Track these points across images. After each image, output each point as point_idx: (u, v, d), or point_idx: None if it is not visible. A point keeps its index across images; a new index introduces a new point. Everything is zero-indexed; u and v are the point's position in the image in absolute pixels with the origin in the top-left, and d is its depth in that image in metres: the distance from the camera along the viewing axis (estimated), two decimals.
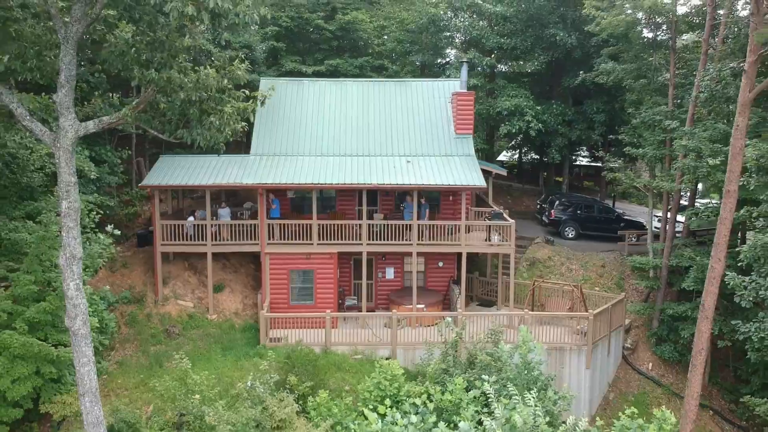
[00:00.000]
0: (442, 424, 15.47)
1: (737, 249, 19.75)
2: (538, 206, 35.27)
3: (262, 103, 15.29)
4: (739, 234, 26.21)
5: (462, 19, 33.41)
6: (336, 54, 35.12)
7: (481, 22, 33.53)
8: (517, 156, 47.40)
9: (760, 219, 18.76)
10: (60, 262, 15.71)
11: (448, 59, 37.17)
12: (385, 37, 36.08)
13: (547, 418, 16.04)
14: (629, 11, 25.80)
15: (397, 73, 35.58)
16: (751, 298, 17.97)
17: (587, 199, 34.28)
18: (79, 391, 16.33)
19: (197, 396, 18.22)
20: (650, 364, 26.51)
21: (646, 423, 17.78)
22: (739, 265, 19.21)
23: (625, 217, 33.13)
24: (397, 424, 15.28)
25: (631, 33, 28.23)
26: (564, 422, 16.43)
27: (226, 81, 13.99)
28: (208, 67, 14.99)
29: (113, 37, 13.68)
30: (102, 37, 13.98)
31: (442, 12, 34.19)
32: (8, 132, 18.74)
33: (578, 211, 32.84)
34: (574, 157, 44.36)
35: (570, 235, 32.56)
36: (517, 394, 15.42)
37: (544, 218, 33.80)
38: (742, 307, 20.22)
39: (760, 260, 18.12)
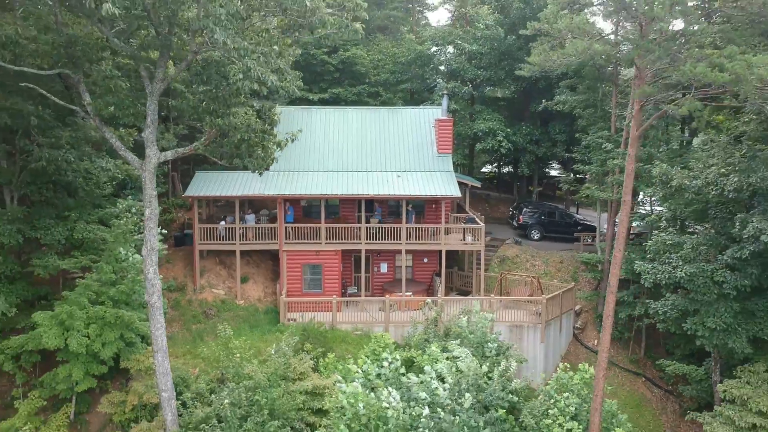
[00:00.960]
0: (411, 374, 21.63)
1: (644, 244, 25.85)
2: (510, 212, 41.36)
3: (293, 140, 21.27)
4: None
5: (445, 55, 39.52)
6: (337, 83, 41.18)
7: (461, 57, 39.66)
8: (496, 168, 53.50)
9: (663, 221, 24.86)
10: (143, 253, 21.72)
11: (434, 85, 43.18)
12: (380, 68, 42.10)
13: (485, 368, 22.12)
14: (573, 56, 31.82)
15: (390, 99, 41.68)
16: (651, 280, 24.02)
17: (550, 207, 40.33)
18: (154, 349, 22.31)
19: (237, 355, 24.11)
20: (596, 341, 32.46)
21: (574, 375, 23.99)
22: (648, 256, 25.30)
23: (582, 222, 39.20)
24: (369, 372, 21.35)
25: (583, 70, 34.36)
26: (500, 365, 22.57)
27: (266, 125, 19.99)
28: (251, 109, 21.08)
29: (189, 94, 19.70)
30: (180, 93, 19.98)
31: (426, 49, 40.38)
32: (99, 158, 24.72)
33: (542, 217, 38.92)
34: (547, 169, 50.51)
35: (535, 237, 38.61)
36: (467, 354, 21.56)
37: (514, 222, 39.86)
38: (658, 292, 26.30)
39: (660, 252, 24.19)
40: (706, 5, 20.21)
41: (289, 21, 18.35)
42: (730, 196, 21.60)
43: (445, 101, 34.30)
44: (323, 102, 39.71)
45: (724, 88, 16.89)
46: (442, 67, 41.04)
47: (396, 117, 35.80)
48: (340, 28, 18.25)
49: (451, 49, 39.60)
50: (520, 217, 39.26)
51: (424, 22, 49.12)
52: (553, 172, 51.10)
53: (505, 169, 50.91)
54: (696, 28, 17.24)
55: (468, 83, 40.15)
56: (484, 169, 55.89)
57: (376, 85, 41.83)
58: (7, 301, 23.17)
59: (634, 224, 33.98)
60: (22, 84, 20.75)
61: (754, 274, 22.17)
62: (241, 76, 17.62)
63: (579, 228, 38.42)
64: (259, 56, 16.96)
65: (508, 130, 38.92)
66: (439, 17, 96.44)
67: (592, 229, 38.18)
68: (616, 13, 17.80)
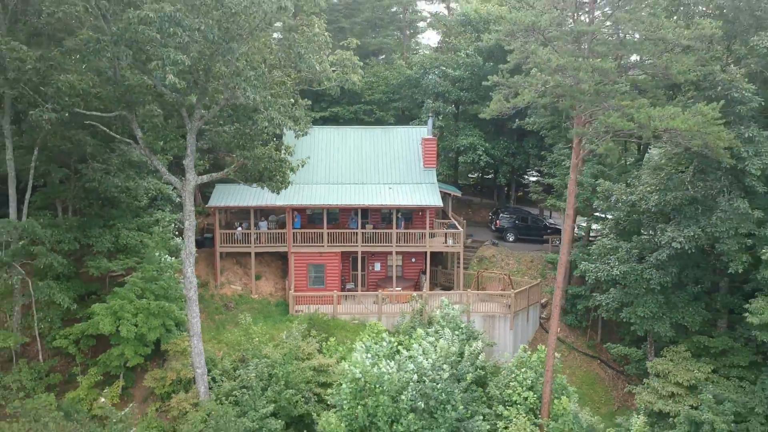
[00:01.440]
0: (403, 350, 27.04)
1: (589, 247, 31.31)
2: (490, 217, 46.77)
3: (303, 165, 26.50)
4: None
5: (431, 78, 44.75)
6: (336, 102, 46.40)
7: (445, 80, 44.92)
8: (479, 177, 58.85)
9: (606, 229, 30.31)
10: (182, 255, 27.08)
11: (422, 103, 48.42)
12: (374, 89, 47.32)
13: (454, 348, 27.46)
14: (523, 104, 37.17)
15: (383, 117, 46.95)
16: (594, 277, 29.46)
17: (524, 212, 45.72)
18: (190, 333, 27.65)
19: (256, 339, 29.45)
20: (559, 329, 37.89)
21: (532, 354, 29.44)
22: (593, 257, 30.76)
23: (551, 225, 44.61)
24: (371, 347, 26.71)
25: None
26: (471, 346, 27.98)
27: (284, 155, 25.32)
28: (272, 141, 26.40)
29: (223, 130, 25.01)
30: (216, 131, 25.29)
31: (414, 73, 45.70)
32: (141, 179, 30.02)
33: (516, 221, 44.32)
34: (526, 176, 55.85)
35: (510, 239, 44.01)
36: (445, 336, 26.96)
37: (492, 226, 45.26)
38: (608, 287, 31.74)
39: (601, 254, 29.63)
40: (624, 64, 25.54)
41: (302, 76, 23.65)
42: (653, 209, 27.02)
43: (430, 122, 39.66)
44: (324, 119, 44.96)
45: (633, 131, 22.22)
46: (428, 90, 46.20)
47: (388, 135, 41.11)
48: (342, 82, 23.55)
49: (436, 72, 44.80)
50: (498, 221, 44.68)
51: (416, 43, 54.28)
52: (533, 179, 56.44)
53: (489, 176, 56.15)
54: (614, 87, 22.56)
55: (452, 103, 45.43)
56: (471, 175, 61.14)
57: (371, 104, 47.10)
58: (68, 297, 28.43)
59: (595, 226, 39.36)
60: (87, 122, 25.99)
61: (673, 273, 27.60)
62: (266, 124, 22.94)
63: (548, 231, 43.81)
64: (279, 107, 22.27)
65: (487, 144, 44.23)
66: (429, 36, 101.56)
67: (560, 232, 43.54)
68: (556, 71, 23.02)
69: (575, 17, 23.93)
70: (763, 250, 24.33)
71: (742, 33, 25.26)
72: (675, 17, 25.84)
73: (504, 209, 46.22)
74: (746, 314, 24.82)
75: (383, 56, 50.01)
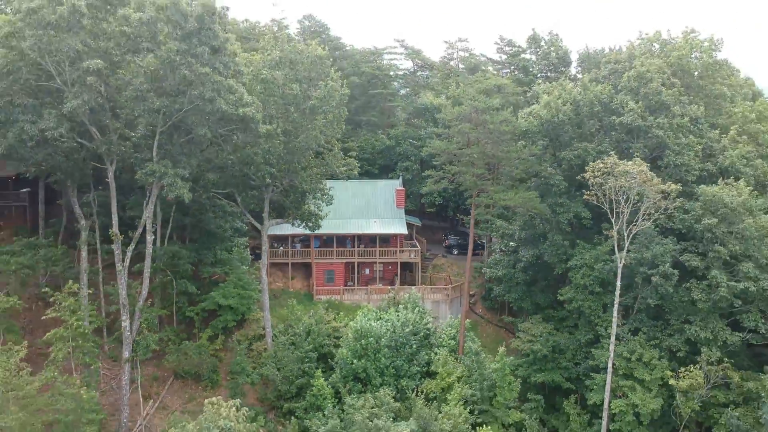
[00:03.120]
0: (382, 317, 49.61)
1: (491, 257, 54.05)
2: (442, 238, 69.30)
3: (326, 215, 48.81)
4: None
5: (403, 147, 67.09)
6: None
7: (411, 148, 67.26)
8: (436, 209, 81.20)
9: (499, 249, 53.05)
10: (260, 264, 49.43)
11: (397, 162, 70.47)
12: (364, 150, 69.57)
13: (411, 316, 49.86)
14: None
15: (370, 169, 69.12)
16: (490, 276, 52.05)
17: (465, 234, 68.18)
18: (263, 308, 49.95)
19: (298, 312, 51.63)
20: (480, 310, 60.39)
21: (455, 320, 52.01)
22: (490, 265, 53.45)
23: (481, 244, 67.07)
24: (365, 315, 49.17)
25: None
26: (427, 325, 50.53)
27: (318, 210, 47.82)
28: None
29: (284, 199, 47.35)
30: (280, 199, 47.68)
31: (391, 142, 68.16)
32: (225, 221, 52.15)
33: (459, 241, 66.82)
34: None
35: (455, 252, 66.49)
36: (407, 310, 49.56)
37: (444, 244, 67.76)
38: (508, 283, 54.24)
39: (495, 262, 52.28)
40: (492, 164, 48.25)
41: (327, 172, 46.27)
42: (519, 238, 49.72)
43: (400, 179, 62.24)
44: None
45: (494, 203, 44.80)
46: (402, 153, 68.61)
47: (373, 186, 63.57)
48: (347, 173, 46.03)
49: (406, 142, 67.28)
50: (447, 240, 67.25)
51: (394, 116, 76.55)
52: None
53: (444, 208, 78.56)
54: (485, 181, 45.28)
55: (417, 162, 67.93)
56: (429, 209, 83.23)
57: (362, 160, 69.41)
58: (194, 288, 50.41)
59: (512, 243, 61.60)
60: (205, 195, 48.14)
61: (530, 272, 50.26)
62: (312, 206, 45.36)
63: (481, 248, 66.32)
64: (317, 192, 44.70)
65: (440, 189, 66.67)
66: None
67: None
68: (457, 173, 45.66)
69: (468, 144, 46.63)
70: (570, 263, 46.97)
71: (558, 148, 48.08)
72: (521, 141, 48.45)
73: (451, 232, 68.83)
74: (559, 296, 47.50)
75: (371, 126, 72.16)
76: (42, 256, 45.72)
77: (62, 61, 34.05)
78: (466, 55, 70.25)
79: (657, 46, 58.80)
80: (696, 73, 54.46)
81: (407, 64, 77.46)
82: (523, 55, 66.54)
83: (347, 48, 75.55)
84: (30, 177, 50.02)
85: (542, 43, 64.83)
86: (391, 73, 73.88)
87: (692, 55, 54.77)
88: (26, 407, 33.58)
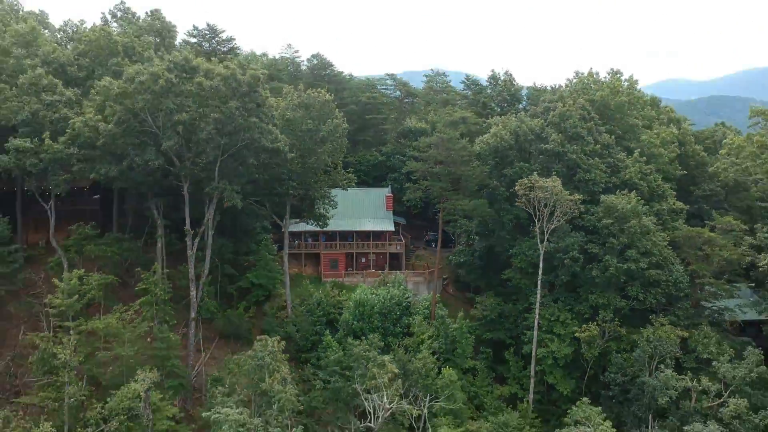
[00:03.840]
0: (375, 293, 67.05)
1: (455, 248, 71.21)
2: (424, 233, 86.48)
3: (332, 216, 65.67)
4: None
5: (393, 160, 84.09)
6: None
7: (400, 162, 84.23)
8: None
9: (463, 241, 70.25)
10: (283, 254, 66.63)
11: (387, 173, 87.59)
12: (362, 163, 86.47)
13: (395, 292, 67.19)
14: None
15: (366, 179, 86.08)
16: (457, 262, 69.15)
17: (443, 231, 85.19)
18: (284, 287, 67.17)
19: (311, 290, 68.75)
20: (452, 290, 77.51)
21: (429, 296, 69.47)
22: (455, 254, 70.66)
23: (454, 238, 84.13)
24: (363, 292, 66.44)
25: None
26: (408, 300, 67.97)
27: (325, 212, 64.78)
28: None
29: (299, 205, 64.43)
30: (296, 204, 64.83)
31: (384, 157, 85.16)
32: (256, 221, 69.29)
33: (437, 236, 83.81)
34: None
35: (433, 246, 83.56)
36: (393, 288, 66.91)
37: (425, 238, 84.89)
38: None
39: (461, 251, 69.43)
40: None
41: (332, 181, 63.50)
42: (478, 232, 66.91)
43: (389, 188, 79.34)
44: None
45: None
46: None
47: (368, 193, 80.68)
48: (345, 187, 63.22)
49: (396, 157, 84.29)
50: (427, 235, 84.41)
51: (384, 132, 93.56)
52: None
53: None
54: (450, 192, 62.39)
55: (404, 174, 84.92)
56: (414, 211, 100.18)
57: (358, 172, 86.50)
58: (233, 270, 67.39)
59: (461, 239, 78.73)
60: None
61: (484, 259, 67.43)
62: (321, 209, 62.57)
63: (452, 242, 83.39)
64: (325, 200, 61.94)
65: (418, 197, 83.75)
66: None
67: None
68: (427, 187, 62.76)
69: (437, 164, 63.76)
70: (511, 251, 64.07)
71: (503, 166, 65.20)
72: (476, 162, 65.50)
73: (430, 229, 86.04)
74: (504, 276, 64.66)
75: (366, 144, 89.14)
76: (126, 247, 62.73)
77: (159, 114, 51.17)
78: (443, 87, 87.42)
79: (590, 82, 76.31)
80: (615, 108, 71.77)
81: (397, 92, 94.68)
82: (484, 93, 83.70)
83: (346, 76, 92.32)
84: (104, 187, 66.91)
85: (500, 81, 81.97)
86: (383, 100, 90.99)
87: (613, 95, 72.11)
88: (135, 344, 50.71)
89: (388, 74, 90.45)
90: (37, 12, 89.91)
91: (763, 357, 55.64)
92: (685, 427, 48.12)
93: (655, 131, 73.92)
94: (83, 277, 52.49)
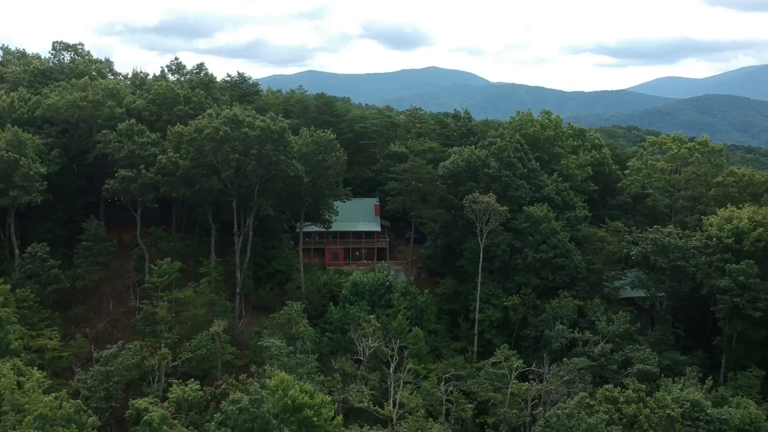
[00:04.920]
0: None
1: (424, 244, 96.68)
2: (405, 233, 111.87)
3: (336, 220, 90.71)
4: None
5: (380, 178, 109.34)
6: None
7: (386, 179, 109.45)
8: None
9: (431, 234, 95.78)
10: (299, 249, 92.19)
11: (376, 187, 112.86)
12: (357, 177, 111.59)
13: (380, 275, 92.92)
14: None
15: (359, 191, 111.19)
16: (426, 254, 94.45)
17: (419, 230, 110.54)
18: (300, 273, 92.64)
19: (318, 275, 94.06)
20: (424, 275, 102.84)
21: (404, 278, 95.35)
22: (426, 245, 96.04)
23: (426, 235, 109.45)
24: (357, 276, 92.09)
25: None
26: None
27: (329, 217, 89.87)
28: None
29: (309, 212, 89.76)
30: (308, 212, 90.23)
31: (374, 174, 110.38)
32: (278, 224, 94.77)
33: (415, 234, 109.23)
34: None
35: (410, 242, 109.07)
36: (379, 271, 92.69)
37: (406, 236, 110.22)
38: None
39: (429, 244, 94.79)
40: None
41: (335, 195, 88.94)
42: (440, 232, 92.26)
43: (377, 198, 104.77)
44: None
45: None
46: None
47: (361, 202, 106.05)
48: (344, 200, 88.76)
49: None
50: (406, 234, 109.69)
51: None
52: None
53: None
54: (418, 204, 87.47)
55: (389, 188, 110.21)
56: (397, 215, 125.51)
57: (354, 186, 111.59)
58: (262, 259, 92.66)
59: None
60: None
61: (445, 252, 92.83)
62: (326, 215, 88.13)
63: (424, 239, 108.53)
64: (329, 208, 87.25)
65: (401, 206, 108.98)
66: None
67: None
68: (403, 198, 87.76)
69: (409, 184, 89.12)
70: (463, 246, 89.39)
71: (458, 185, 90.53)
72: (439, 182, 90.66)
73: (409, 229, 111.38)
74: (459, 264, 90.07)
75: (360, 164, 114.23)
76: (187, 243, 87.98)
77: (219, 154, 76.49)
78: (416, 119, 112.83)
79: (527, 119, 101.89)
80: (543, 140, 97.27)
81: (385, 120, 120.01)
82: (448, 127, 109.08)
83: (343, 111, 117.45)
84: (164, 197, 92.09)
85: (461, 118, 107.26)
86: (373, 129, 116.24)
87: (543, 129, 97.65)
88: (203, 308, 76.05)
89: (378, 109, 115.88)
90: (103, 60, 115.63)
91: (630, 318, 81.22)
92: (564, 359, 73.42)
93: (573, 157, 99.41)
94: (165, 264, 77.84)
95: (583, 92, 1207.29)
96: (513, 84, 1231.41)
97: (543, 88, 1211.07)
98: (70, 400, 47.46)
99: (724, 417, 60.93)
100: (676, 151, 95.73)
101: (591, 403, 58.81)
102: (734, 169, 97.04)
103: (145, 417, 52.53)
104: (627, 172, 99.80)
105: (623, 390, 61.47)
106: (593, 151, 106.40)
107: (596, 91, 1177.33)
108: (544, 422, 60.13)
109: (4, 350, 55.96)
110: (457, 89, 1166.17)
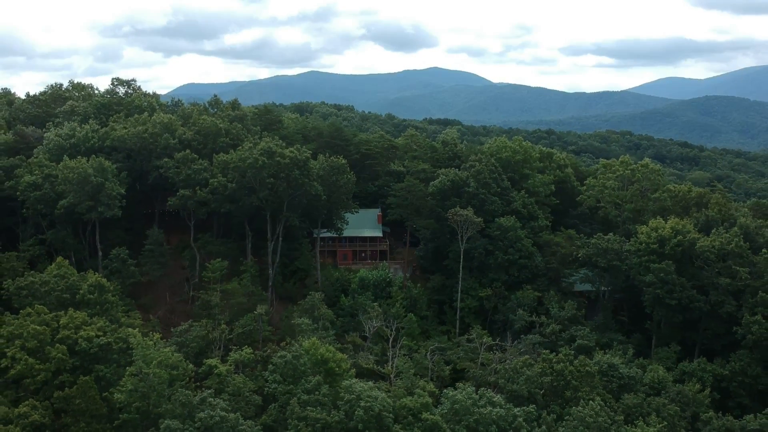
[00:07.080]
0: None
1: (418, 246, 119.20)
2: (403, 238, 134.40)
3: (345, 227, 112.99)
4: None
5: (382, 191, 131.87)
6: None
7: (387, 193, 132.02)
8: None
9: (423, 239, 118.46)
10: (316, 251, 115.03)
11: (377, 200, 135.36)
12: (362, 191, 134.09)
13: (383, 273, 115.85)
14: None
15: (365, 203, 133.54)
16: (419, 255, 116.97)
17: (414, 235, 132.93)
18: (317, 270, 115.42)
19: (332, 272, 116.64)
20: (419, 273, 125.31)
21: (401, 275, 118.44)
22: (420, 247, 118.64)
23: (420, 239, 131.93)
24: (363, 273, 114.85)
25: None
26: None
27: (341, 225, 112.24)
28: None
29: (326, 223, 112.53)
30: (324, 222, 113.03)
31: (377, 189, 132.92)
32: (299, 231, 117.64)
33: (411, 238, 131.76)
34: None
35: (407, 245, 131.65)
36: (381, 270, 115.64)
37: (403, 240, 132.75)
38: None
39: (422, 246, 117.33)
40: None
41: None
42: (430, 236, 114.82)
43: (379, 209, 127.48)
44: None
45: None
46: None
47: (366, 212, 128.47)
48: (353, 212, 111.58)
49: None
50: (404, 239, 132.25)
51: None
52: None
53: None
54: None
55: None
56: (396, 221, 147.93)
57: (360, 199, 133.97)
58: (286, 260, 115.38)
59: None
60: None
61: (435, 254, 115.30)
62: (338, 224, 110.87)
63: (419, 242, 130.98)
64: (342, 218, 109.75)
65: (398, 216, 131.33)
66: None
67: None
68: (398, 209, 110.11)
69: (405, 198, 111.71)
70: (449, 249, 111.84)
71: (446, 199, 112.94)
72: (430, 197, 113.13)
73: (406, 235, 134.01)
74: (445, 263, 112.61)
75: (365, 180, 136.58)
76: (228, 246, 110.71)
77: (257, 178, 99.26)
78: (413, 142, 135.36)
79: (502, 145, 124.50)
80: (514, 163, 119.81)
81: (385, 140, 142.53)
82: (438, 152, 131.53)
83: (351, 135, 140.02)
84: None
85: (448, 144, 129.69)
86: (376, 151, 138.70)
87: (513, 154, 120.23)
88: (244, 297, 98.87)
89: (382, 135, 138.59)
90: (152, 94, 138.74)
91: (578, 306, 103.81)
92: (521, 336, 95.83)
93: (540, 176, 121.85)
94: (217, 263, 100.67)
95: (584, 93, 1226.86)
96: (515, 85, 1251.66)
97: (544, 88, 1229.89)
98: (175, 354, 70.50)
99: (632, 375, 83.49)
100: (622, 172, 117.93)
101: (532, 362, 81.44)
102: (670, 186, 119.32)
103: (216, 370, 75.37)
104: (584, 188, 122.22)
105: (557, 354, 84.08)
106: (557, 170, 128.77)
107: (598, 92, 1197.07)
108: (497, 373, 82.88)
109: (117, 323, 79.00)
110: (459, 90, 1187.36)
